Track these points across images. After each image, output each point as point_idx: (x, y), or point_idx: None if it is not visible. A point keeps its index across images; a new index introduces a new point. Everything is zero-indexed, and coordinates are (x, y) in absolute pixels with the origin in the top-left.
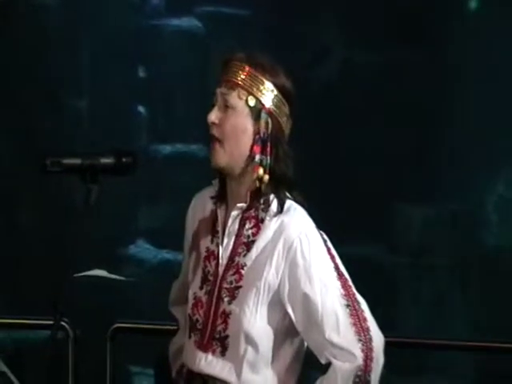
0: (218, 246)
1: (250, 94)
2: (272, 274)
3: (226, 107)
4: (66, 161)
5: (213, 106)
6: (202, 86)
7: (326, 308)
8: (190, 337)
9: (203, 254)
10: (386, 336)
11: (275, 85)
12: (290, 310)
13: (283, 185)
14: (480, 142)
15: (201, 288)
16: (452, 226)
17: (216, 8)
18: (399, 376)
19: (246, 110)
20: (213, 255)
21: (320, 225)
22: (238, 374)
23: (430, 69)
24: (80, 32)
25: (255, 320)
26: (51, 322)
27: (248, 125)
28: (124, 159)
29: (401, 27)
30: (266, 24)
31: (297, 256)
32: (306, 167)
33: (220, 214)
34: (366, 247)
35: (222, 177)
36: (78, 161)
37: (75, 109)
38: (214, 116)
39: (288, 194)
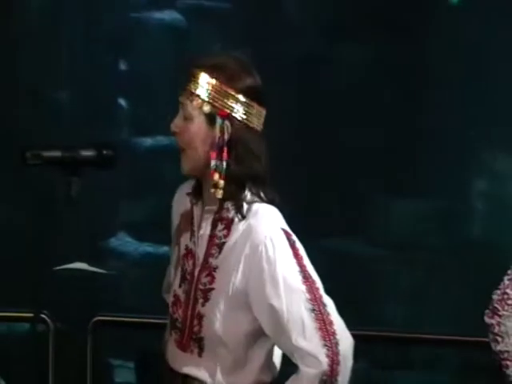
0: (195, 245)
1: (205, 101)
2: (240, 278)
3: (185, 117)
4: (47, 153)
5: (178, 113)
6: (184, 79)
7: (292, 313)
8: (171, 334)
9: (182, 251)
10: (366, 330)
11: (235, 87)
12: (256, 315)
13: (251, 185)
14: (463, 137)
15: (180, 286)
16: (433, 220)
17: (197, 1)
18: (380, 369)
19: (202, 117)
20: (190, 254)
21: (299, 220)
22: (213, 376)
23: (416, 64)
24: (61, 24)
25: (226, 323)
26: (32, 315)
27: (207, 132)
28: (105, 152)
29: (387, 21)
30: (246, 17)
31: (262, 261)
32: (287, 162)
33: (196, 212)
34: (346, 241)
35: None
36: (58, 153)
37: (56, 101)
38: (174, 126)
39: (261, 193)
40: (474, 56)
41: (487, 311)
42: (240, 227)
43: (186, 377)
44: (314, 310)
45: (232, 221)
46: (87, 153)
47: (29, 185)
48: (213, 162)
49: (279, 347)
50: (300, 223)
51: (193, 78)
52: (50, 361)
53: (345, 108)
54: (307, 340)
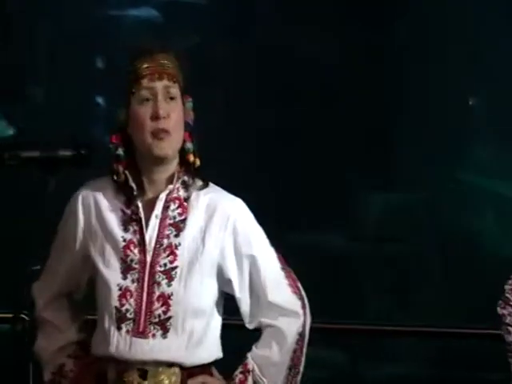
0: (136, 234)
1: (179, 82)
2: (212, 247)
3: (171, 99)
4: (25, 154)
5: (146, 100)
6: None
7: (268, 271)
8: (119, 329)
9: (120, 243)
10: (348, 323)
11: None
12: (232, 278)
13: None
14: (439, 129)
15: (124, 278)
16: (414, 213)
17: None
18: (363, 362)
19: (180, 99)
20: (132, 243)
21: (279, 213)
22: (185, 351)
23: (388, 54)
24: (38, 21)
25: (201, 293)
26: (11, 315)
27: (183, 113)
28: (83, 151)
29: (359, 9)
30: (223, 12)
31: (236, 225)
32: (268, 157)
33: (141, 202)
34: (326, 235)
35: (123, 169)
36: (36, 153)
37: (32, 99)
38: (163, 111)
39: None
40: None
41: (500, 302)
42: (200, 202)
43: (150, 364)
44: (283, 268)
45: (186, 199)
46: (65, 152)
47: (6, 184)
48: (188, 144)
49: (245, 309)
50: (278, 217)
51: (167, 61)
52: (30, 361)
53: (324, 101)
54: (282, 296)
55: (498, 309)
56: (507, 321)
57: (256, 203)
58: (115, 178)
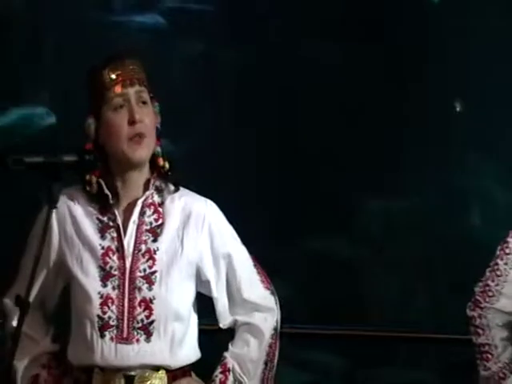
0: (114, 241)
1: (147, 86)
2: (190, 249)
3: (143, 103)
4: (29, 159)
5: (120, 107)
6: (166, 83)
7: (243, 269)
8: (102, 336)
9: (98, 251)
10: (350, 329)
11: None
12: (210, 278)
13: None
14: (439, 135)
15: (104, 285)
16: (415, 219)
17: (180, 4)
18: (366, 368)
19: (150, 103)
20: (111, 250)
21: (281, 220)
22: (169, 354)
23: (388, 64)
24: (43, 27)
25: (181, 296)
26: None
27: (154, 116)
28: (87, 157)
29: (361, 21)
30: (229, 20)
31: (211, 226)
32: (268, 162)
33: (117, 209)
34: (329, 241)
35: (96, 179)
36: (40, 159)
37: (36, 104)
38: (138, 115)
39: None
40: (455, 54)
41: (469, 304)
42: (176, 206)
43: (136, 369)
44: (255, 265)
45: (160, 204)
46: (69, 158)
47: (9, 189)
48: (158, 148)
49: (221, 307)
50: (282, 223)
51: (135, 67)
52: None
53: (327, 108)
54: (256, 292)
55: (468, 311)
56: (476, 323)
57: (260, 210)
58: (87, 188)
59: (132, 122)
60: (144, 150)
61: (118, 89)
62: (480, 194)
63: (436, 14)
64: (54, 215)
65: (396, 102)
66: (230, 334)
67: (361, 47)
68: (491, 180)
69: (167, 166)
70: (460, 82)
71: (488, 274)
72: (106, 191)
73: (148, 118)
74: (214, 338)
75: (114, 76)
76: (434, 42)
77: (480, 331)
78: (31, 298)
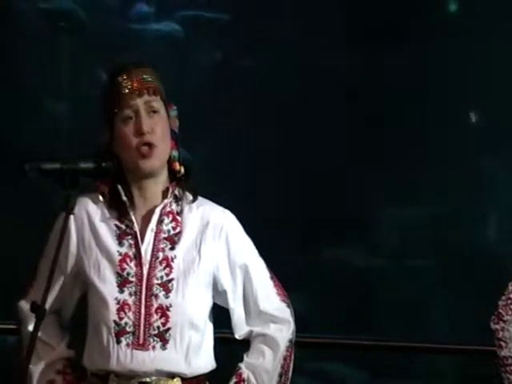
0: (132, 247)
1: (160, 94)
2: (207, 259)
3: (153, 112)
4: (46, 166)
5: (129, 118)
6: (182, 90)
7: (260, 280)
8: (118, 342)
9: (116, 257)
10: (366, 339)
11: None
12: (227, 288)
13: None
14: (462, 144)
15: (121, 291)
16: (432, 228)
17: (196, 12)
18: (379, 379)
19: (163, 109)
20: (128, 257)
21: (298, 230)
22: (185, 362)
23: (410, 71)
24: (60, 35)
25: (198, 304)
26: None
27: (168, 123)
28: (104, 164)
29: (381, 28)
30: (244, 28)
31: (229, 236)
32: (285, 172)
33: (135, 216)
34: (346, 250)
35: (115, 184)
36: (57, 165)
37: (55, 113)
38: (146, 126)
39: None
40: (472, 63)
41: (493, 317)
42: (194, 214)
43: (151, 375)
44: (272, 277)
45: (179, 212)
46: (86, 165)
47: (26, 196)
48: (174, 152)
49: (238, 318)
50: (298, 233)
51: (146, 76)
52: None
53: (345, 114)
54: (272, 304)
55: (491, 324)
56: (500, 336)
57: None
58: (101, 198)
59: (140, 133)
60: (154, 160)
61: (126, 100)
62: (503, 204)
63: (454, 23)
64: (72, 221)
65: (415, 111)
66: (246, 344)
67: (379, 55)
68: (510, 189)
69: (182, 170)
70: (478, 91)
71: (510, 287)
72: (124, 198)
73: (159, 127)
74: (229, 348)
75: (122, 88)
76: (455, 44)
77: (503, 344)
78: (47, 305)
